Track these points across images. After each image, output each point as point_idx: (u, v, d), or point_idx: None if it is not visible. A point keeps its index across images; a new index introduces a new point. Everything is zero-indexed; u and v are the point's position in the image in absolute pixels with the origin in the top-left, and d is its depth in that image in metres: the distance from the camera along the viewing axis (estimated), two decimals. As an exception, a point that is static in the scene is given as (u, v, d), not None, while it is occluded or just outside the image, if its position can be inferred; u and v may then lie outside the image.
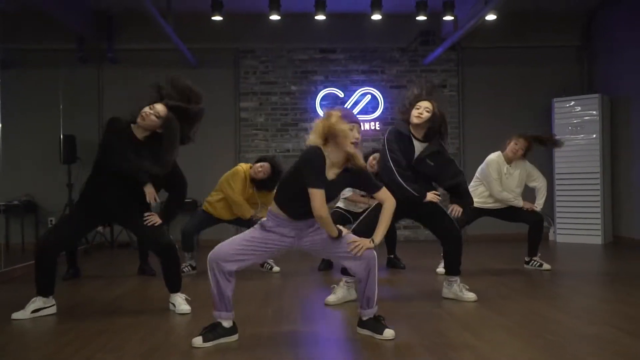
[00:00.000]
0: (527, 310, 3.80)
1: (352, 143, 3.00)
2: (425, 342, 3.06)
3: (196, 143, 3.96)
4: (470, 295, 4.07)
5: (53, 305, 3.81)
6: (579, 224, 7.95)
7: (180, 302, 3.85)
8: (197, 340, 3.01)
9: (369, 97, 8.43)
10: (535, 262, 5.57)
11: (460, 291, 4.10)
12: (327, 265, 5.65)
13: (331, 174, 3.06)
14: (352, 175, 3.13)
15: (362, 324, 3.20)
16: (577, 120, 7.98)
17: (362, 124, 3.01)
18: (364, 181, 3.20)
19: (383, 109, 8.41)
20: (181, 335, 3.26)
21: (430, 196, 3.97)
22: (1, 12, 6.40)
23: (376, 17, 7.15)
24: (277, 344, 3.06)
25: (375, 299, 3.14)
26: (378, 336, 3.10)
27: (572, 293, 4.58)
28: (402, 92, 8.41)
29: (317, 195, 2.94)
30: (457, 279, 4.14)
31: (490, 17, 6.68)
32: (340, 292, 4.06)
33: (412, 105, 3.97)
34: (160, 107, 3.70)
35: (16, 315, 3.68)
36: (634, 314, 3.72)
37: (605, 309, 4.01)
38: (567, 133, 7.98)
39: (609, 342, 3.05)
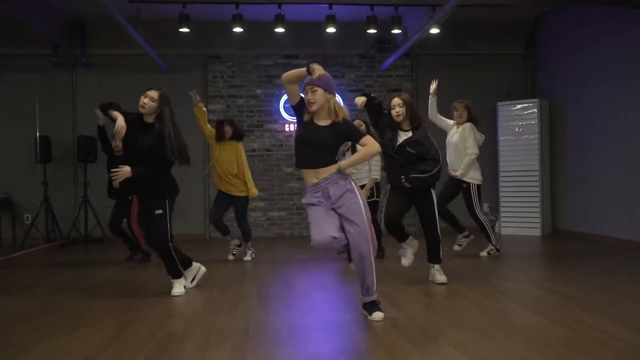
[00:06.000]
0: (447, 289, 4.62)
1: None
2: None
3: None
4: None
5: None
6: (520, 217, 8.70)
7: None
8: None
9: (329, 100, 9.01)
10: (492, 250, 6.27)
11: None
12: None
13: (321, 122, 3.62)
14: (337, 126, 3.62)
15: (363, 306, 3.70)
16: (519, 123, 8.71)
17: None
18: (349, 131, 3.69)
19: (342, 111, 9.00)
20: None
21: None
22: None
23: (330, 30, 7.77)
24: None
25: (374, 288, 3.62)
26: (369, 317, 3.62)
27: (489, 275, 5.32)
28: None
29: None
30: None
31: (434, 30, 7.33)
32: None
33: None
34: (152, 92, 4.32)
35: (175, 292, 4.48)
36: (518, 288, 4.66)
37: (501, 285, 4.85)
38: (510, 134, 8.73)
39: (493, 307, 3.93)
